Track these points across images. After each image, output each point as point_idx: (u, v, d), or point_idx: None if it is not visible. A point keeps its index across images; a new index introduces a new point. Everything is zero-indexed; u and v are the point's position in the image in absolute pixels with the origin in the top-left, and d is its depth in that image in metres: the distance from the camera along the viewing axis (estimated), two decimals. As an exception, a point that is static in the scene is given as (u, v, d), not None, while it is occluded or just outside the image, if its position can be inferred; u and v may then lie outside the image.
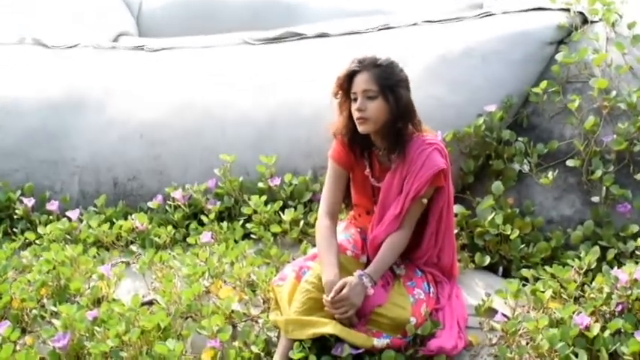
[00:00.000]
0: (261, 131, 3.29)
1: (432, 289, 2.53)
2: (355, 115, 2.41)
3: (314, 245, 2.80)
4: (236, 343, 2.39)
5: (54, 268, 2.75)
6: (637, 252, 2.73)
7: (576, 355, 2.28)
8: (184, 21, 5.36)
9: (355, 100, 2.41)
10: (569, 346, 2.28)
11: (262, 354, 2.38)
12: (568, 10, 3.46)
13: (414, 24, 3.57)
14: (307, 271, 2.50)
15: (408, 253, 2.53)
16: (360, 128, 2.42)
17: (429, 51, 3.33)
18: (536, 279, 2.72)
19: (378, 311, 2.36)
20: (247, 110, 3.35)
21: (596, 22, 3.42)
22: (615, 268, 2.59)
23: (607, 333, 2.33)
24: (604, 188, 2.90)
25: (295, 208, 3.07)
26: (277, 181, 3.13)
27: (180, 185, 3.21)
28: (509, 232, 2.84)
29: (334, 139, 2.56)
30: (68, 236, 3.04)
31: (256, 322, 2.56)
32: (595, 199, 2.91)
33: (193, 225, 3.11)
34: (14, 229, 3.17)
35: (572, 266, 2.66)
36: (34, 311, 2.61)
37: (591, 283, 2.62)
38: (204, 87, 3.46)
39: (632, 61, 3.16)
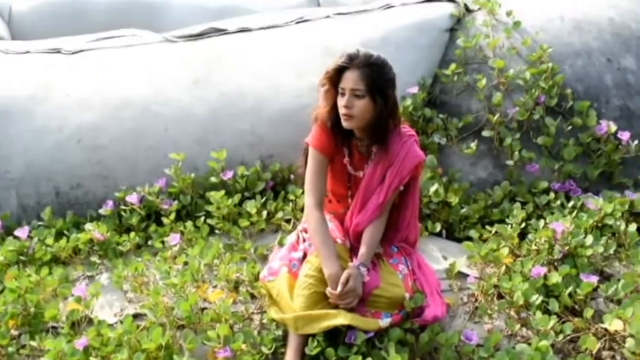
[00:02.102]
0: (204, 125, 2.71)
1: (408, 263, 2.21)
2: (341, 110, 1.98)
3: (288, 233, 2.37)
4: (244, 347, 1.90)
5: (19, 297, 2.03)
6: (551, 204, 2.63)
7: (547, 304, 2.11)
8: (53, 22, 4.63)
9: (343, 94, 1.97)
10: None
11: (270, 353, 1.93)
12: (454, 0, 3.24)
13: (327, 16, 3.14)
14: (297, 264, 2.07)
15: (385, 234, 2.18)
16: (345, 124, 2.00)
17: (350, 41, 2.92)
18: (479, 237, 2.51)
19: (376, 293, 2.00)
20: (187, 106, 2.73)
21: (477, 10, 3.23)
22: (541, 220, 2.46)
23: (560, 279, 2.18)
24: (516, 153, 2.75)
25: (253, 198, 2.57)
26: (230, 175, 2.60)
27: (130, 188, 2.56)
28: (451, 200, 2.59)
29: (314, 126, 2.11)
30: (21, 257, 2.28)
31: (251, 320, 2.08)
32: (509, 162, 2.75)
33: (153, 228, 2.49)
34: (-49, 257, 2.32)
35: (511, 223, 2.48)
36: (10, 349, 1.89)
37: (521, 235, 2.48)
38: (137, 86, 2.77)
39: (516, 43, 3.01)
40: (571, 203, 2.58)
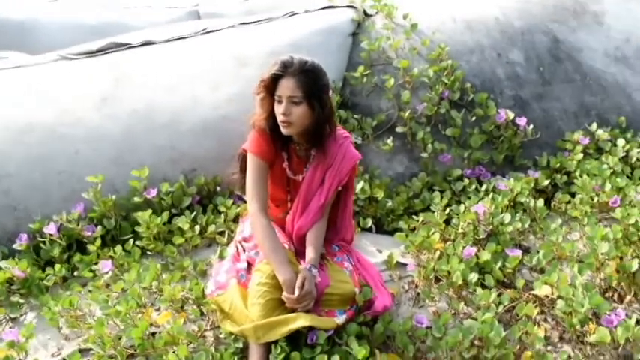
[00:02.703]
0: (118, 144, 2.57)
1: (351, 259, 2.26)
2: (279, 118, 1.98)
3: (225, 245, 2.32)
4: (205, 366, 1.84)
5: None
6: (467, 189, 2.82)
7: (484, 280, 2.26)
8: None
9: (280, 102, 1.97)
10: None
11: (232, 367, 1.88)
12: (353, 6, 3.37)
13: (232, 26, 3.12)
14: (244, 274, 2.04)
15: (326, 234, 2.21)
16: (284, 131, 2.00)
17: (261, 49, 2.94)
18: (408, 227, 2.63)
19: (328, 292, 2.02)
20: (97, 125, 2.57)
21: (375, 15, 3.39)
22: (461, 205, 2.64)
23: (489, 256, 2.35)
24: (428, 145, 2.91)
25: (182, 215, 2.48)
26: (154, 193, 2.49)
27: (46, 218, 2.36)
28: (378, 195, 2.69)
29: (251, 132, 2.08)
30: None
31: (205, 337, 2.01)
32: (423, 155, 2.91)
33: (77, 257, 2.31)
34: None
35: (435, 211, 2.63)
36: None
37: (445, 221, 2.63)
38: (38, 108, 2.56)
39: (415, 44, 3.20)
40: (484, 187, 2.78)
